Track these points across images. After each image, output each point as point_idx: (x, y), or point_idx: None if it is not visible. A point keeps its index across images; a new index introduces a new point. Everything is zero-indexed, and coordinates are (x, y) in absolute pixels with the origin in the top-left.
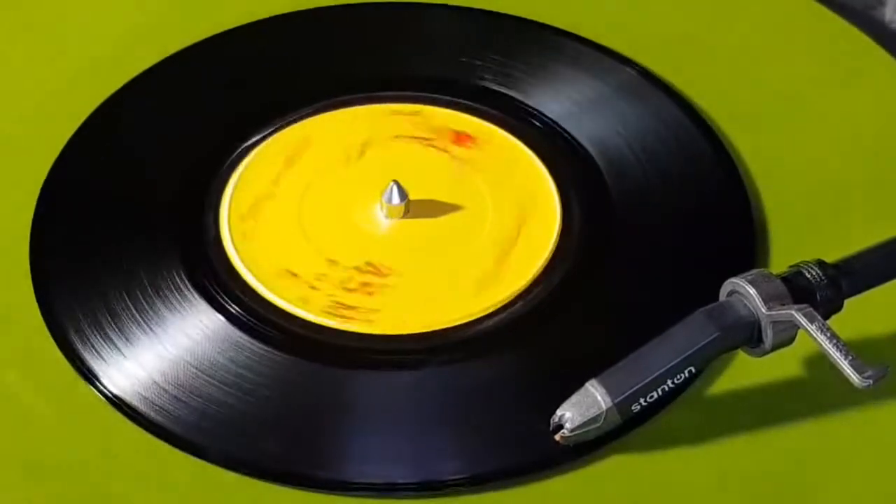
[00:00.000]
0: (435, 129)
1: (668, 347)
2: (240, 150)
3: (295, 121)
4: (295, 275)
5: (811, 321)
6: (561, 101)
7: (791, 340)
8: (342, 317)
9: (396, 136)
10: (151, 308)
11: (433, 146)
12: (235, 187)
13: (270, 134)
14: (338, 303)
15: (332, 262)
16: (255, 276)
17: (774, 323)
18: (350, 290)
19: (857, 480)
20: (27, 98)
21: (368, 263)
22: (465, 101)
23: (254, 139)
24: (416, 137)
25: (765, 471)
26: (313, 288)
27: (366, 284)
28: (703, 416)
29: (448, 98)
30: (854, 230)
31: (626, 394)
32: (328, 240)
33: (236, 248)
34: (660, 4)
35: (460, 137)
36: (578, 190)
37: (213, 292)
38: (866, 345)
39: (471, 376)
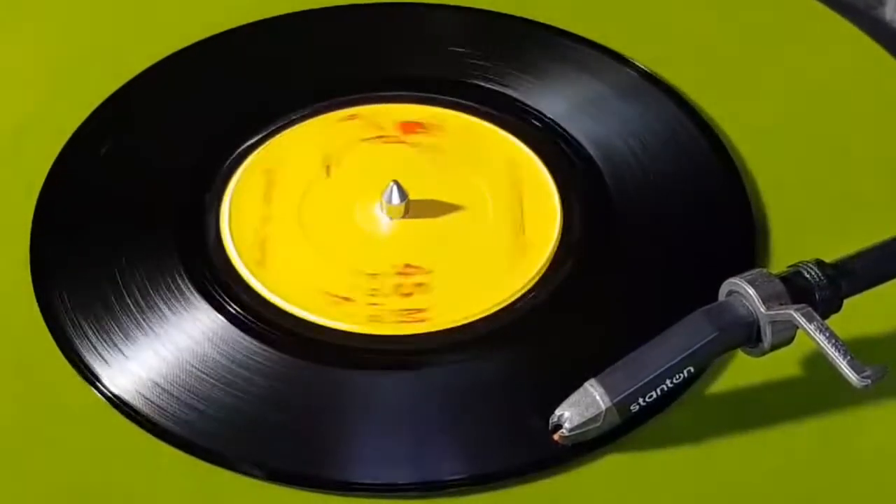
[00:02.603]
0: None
1: (666, 347)
2: (240, 149)
3: (296, 120)
4: (295, 274)
5: (810, 321)
6: (561, 101)
7: (790, 340)
8: (342, 313)
9: (396, 136)
10: (152, 308)
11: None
12: (236, 187)
13: (271, 134)
14: (337, 298)
15: (332, 261)
16: (255, 276)
17: (773, 323)
18: (349, 288)
19: (857, 480)
20: (28, 97)
21: (367, 262)
22: (465, 101)
23: (254, 139)
24: (415, 137)
25: (764, 471)
26: (313, 287)
27: (365, 282)
28: (703, 416)
29: (447, 98)
30: (854, 230)
31: (625, 393)
32: (328, 239)
33: (236, 248)
34: (660, 4)
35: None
36: (578, 190)
37: (214, 292)
38: (865, 345)
39: (471, 376)
